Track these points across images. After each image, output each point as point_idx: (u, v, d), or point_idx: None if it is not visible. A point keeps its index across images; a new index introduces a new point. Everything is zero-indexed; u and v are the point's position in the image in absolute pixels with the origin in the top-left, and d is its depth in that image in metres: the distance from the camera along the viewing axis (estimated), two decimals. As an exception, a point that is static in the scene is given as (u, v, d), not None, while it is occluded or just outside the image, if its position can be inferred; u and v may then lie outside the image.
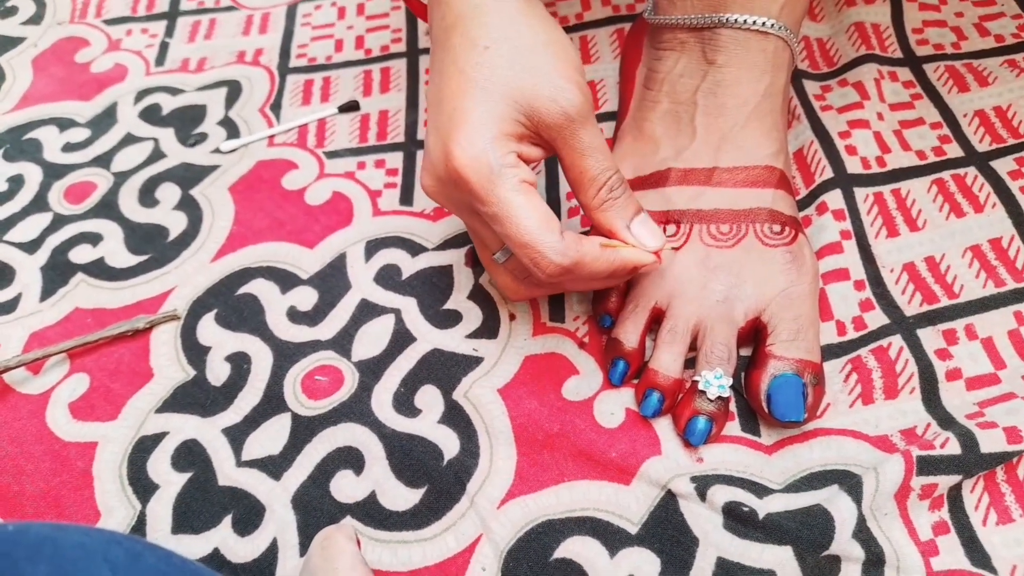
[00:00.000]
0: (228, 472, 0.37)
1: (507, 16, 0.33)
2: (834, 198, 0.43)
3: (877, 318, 0.39)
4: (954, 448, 0.33)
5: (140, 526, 0.36)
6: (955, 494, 0.34)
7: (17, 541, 0.19)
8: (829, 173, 0.44)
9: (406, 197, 0.48)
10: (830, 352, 0.39)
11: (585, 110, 0.32)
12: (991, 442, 0.33)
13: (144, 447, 0.38)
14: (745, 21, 0.39)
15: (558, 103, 0.32)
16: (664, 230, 0.40)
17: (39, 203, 0.49)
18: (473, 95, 0.32)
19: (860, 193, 0.44)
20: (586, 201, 0.35)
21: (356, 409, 0.39)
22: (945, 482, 0.33)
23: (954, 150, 0.45)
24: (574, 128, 0.32)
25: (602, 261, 0.34)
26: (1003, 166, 0.44)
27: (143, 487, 0.37)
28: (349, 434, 0.38)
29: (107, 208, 0.49)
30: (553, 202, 0.47)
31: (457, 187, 0.33)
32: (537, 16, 0.33)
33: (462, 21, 0.33)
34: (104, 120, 0.54)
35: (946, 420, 0.35)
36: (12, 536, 0.19)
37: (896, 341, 0.38)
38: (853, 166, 0.45)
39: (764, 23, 0.39)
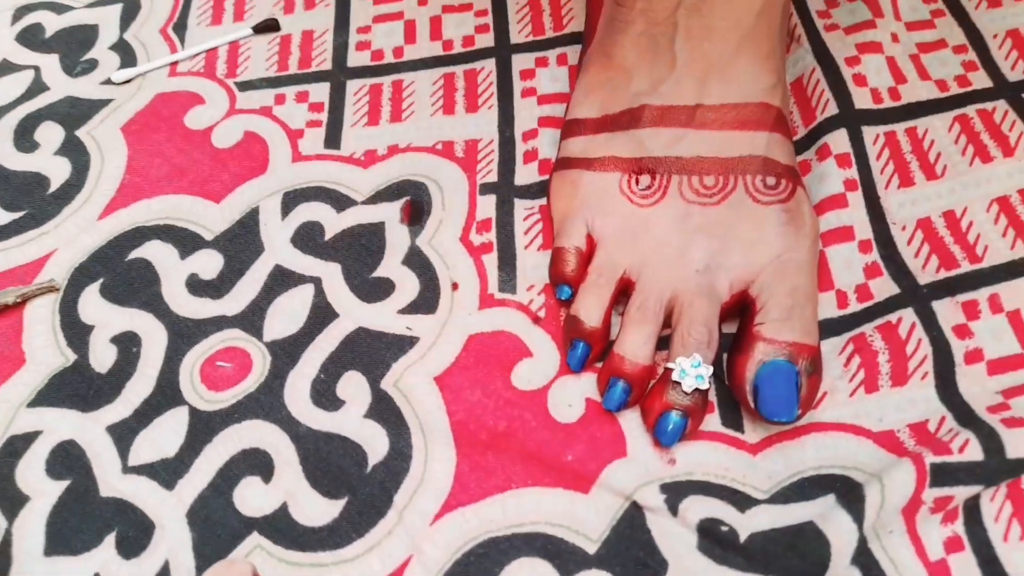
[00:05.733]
0: (112, 481, 0.31)
1: None
2: (838, 139, 0.37)
3: (885, 287, 0.33)
4: (975, 453, 0.28)
5: (5, 548, 0.30)
6: (972, 504, 0.29)
7: None
8: (833, 109, 0.37)
9: (332, 138, 0.40)
10: (829, 329, 0.33)
11: None
12: (1019, 444, 0.28)
13: (12, 450, 0.32)
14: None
15: None
16: (637, 181, 0.33)
17: None
18: None
19: (869, 133, 0.37)
20: None
21: (266, 402, 0.33)
22: (963, 493, 0.28)
23: (981, 79, 0.38)
24: None
25: None
26: (1039, 99, 0.37)
27: (10, 500, 0.31)
28: (257, 433, 0.32)
29: (-25, 153, 0.41)
30: (508, 142, 0.39)
31: None
32: None
33: None
34: (-26, 43, 0.45)
35: (965, 414, 0.30)
36: None
37: (907, 315, 0.32)
38: (862, 100, 0.38)
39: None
